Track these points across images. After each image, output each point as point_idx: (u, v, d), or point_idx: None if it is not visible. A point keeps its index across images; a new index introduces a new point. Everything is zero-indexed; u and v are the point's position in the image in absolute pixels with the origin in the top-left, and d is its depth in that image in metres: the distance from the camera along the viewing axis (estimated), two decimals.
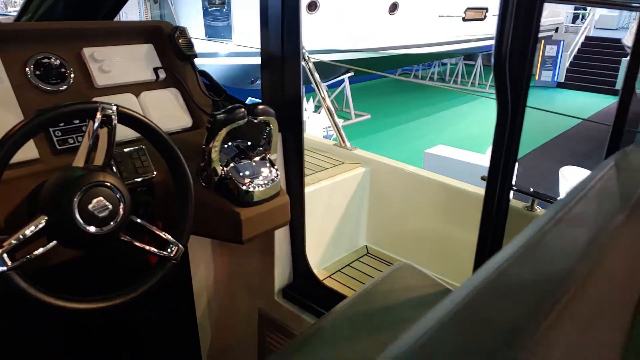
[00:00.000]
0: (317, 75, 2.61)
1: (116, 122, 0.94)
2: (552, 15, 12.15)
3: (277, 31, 1.28)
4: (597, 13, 13.04)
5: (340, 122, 3.49)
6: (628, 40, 10.47)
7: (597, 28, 12.91)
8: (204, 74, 1.40)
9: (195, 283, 1.57)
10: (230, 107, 1.13)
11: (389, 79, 11.50)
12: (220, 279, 1.64)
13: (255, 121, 1.16)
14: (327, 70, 7.90)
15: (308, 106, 6.44)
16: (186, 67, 1.31)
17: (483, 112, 8.85)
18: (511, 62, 1.12)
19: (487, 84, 11.10)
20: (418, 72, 12.33)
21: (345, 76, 8.14)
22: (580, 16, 13.67)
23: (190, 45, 1.32)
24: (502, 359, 0.35)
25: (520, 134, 1.19)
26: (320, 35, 7.01)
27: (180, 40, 1.30)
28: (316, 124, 5.57)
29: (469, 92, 10.99)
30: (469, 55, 11.61)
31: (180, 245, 1.02)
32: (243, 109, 1.12)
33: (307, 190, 1.51)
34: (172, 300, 1.52)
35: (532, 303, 0.41)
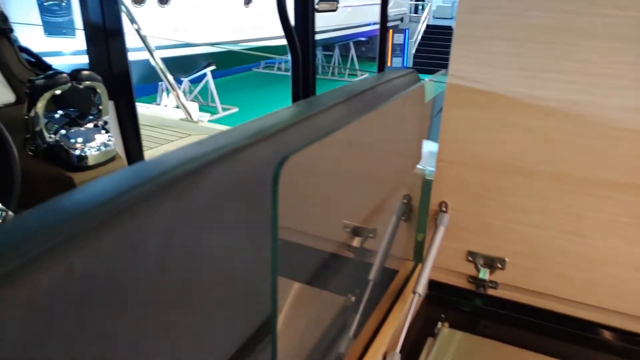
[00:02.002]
0: (161, 64, 2.64)
1: None
2: (398, 6, 13.25)
3: (95, 3, 1.31)
4: (434, 4, 14.52)
5: (206, 116, 3.55)
6: None
7: (435, 17, 14.36)
8: (25, 50, 1.37)
9: None
10: (50, 72, 1.14)
11: (254, 72, 11.63)
12: None
13: (81, 87, 1.19)
14: (187, 64, 7.77)
15: (170, 102, 6.30)
16: (1, 42, 1.28)
17: None
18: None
19: (346, 73, 11.78)
20: (281, 65, 12.63)
21: (207, 70, 8.08)
22: (421, 7, 15.10)
23: (4, 18, 1.29)
24: None
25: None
26: (173, 28, 6.86)
27: None
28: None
29: (332, 79, 11.55)
30: (327, 46, 12.19)
31: (8, 212, 1.02)
32: (65, 75, 1.15)
33: (147, 156, 1.56)
34: None
35: None
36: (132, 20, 2.35)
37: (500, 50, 0.93)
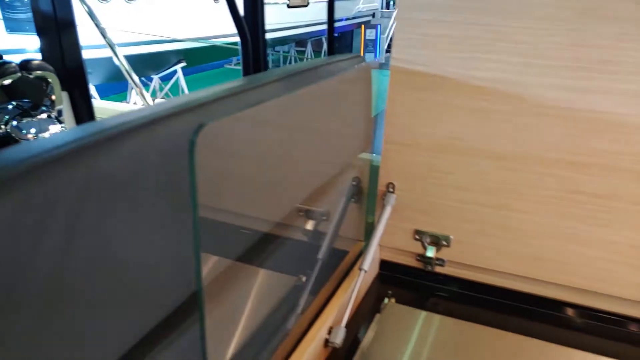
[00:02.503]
0: (124, 61, 2.60)
1: None
2: (369, 2, 13.33)
3: None
4: None
5: None
6: None
7: None
8: None
9: None
10: None
11: (226, 69, 11.55)
12: None
13: (31, 77, 1.18)
14: (157, 61, 7.67)
15: (139, 100, 6.21)
16: None
17: None
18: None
19: None
20: None
21: (178, 67, 8.00)
22: (392, 2, 15.21)
23: None
24: None
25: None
26: (142, 25, 6.76)
27: None
28: None
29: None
30: (300, 42, 12.19)
31: None
32: (14, 64, 1.14)
33: None
34: None
35: None
36: (91, 15, 2.32)
37: (439, 33, 0.97)
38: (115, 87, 7.19)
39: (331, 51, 2.07)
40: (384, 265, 1.17)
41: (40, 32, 1.36)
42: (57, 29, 1.33)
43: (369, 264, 0.99)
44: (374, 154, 1.14)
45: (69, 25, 1.34)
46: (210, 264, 0.59)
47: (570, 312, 1.03)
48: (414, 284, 1.13)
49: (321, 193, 1.02)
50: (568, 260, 0.99)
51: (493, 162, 0.99)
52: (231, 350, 0.70)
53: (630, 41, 0.86)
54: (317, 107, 0.83)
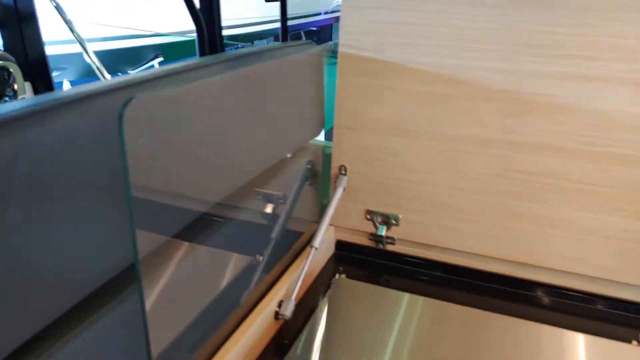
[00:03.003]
0: (95, 58, 2.59)
1: None
2: None
3: None
4: None
5: None
6: None
7: None
8: None
9: None
10: None
11: None
12: None
13: None
14: (133, 56, 7.59)
15: None
16: None
17: None
18: None
19: None
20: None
21: (155, 62, 7.93)
22: None
23: None
24: None
25: None
26: (118, 20, 6.68)
27: None
28: None
29: None
30: (278, 37, 12.15)
31: None
32: None
33: None
34: None
35: None
36: (58, 9, 2.30)
37: (383, 19, 1.01)
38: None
39: (285, 39, 2.10)
40: (340, 245, 1.22)
41: (1, 24, 1.37)
42: (18, 21, 1.35)
43: (320, 241, 1.03)
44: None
45: (30, 16, 1.36)
46: (147, 238, 0.62)
47: (511, 284, 1.09)
48: (367, 262, 1.18)
49: (276, 176, 1.06)
50: (508, 235, 1.05)
51: (437, 144, 1.05)
52: (175, 321, 0.74)
53: (559, 25, 0.92)
54: (261, 88, 0.87)
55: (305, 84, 1.05)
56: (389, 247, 1.17)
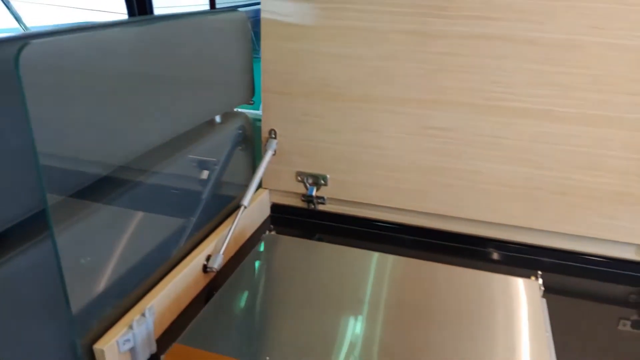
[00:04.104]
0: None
1: None
2: None
3: None
4: None
5: None
6: None
7: None
8: None
9: None
10: None
11: None
12: None
13: None
14: None
15: None
16: None
17: None
18: None
19: None
20: None
21: None
22: None
23: None
24: None
25: None
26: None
27: None
28: None
29: None
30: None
31: None
32: None
33: None
34: None
35: None
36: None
37: None
38: None
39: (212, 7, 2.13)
40: (274, 208, 1.27)
41: None
42: None
43: (249, 200, 1.08)
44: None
45: None
46: (56, 185, 0.64)
47: (432, 235, 1.16)
48: (300, 222, 1.24)
49: (206, 141, 1.10)
50: (427, 189, 1.12)
51: (357, 105, 1.10)
52: (96, 272, 0.77)
53: None
54: (178, 48, 0.90)
55: (228, 47, 1.09)
56: (321, 207, 1.22)
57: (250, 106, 1.23)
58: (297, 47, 1.10)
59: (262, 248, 1.05)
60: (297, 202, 1.25)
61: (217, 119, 1.15)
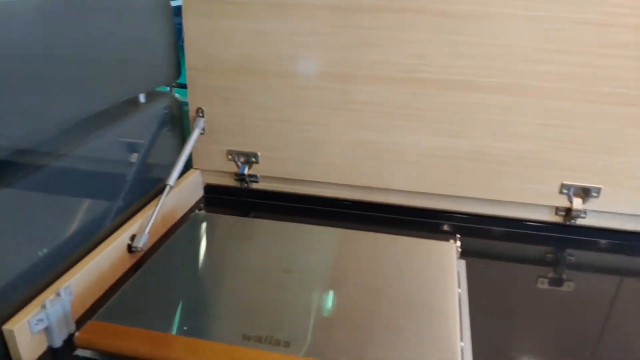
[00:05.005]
0: None
1: None
2: None
3: None
4: None
5: None
6: None
7: None
8: None
9: None
10: None
11: None
12: None
13: None
14: None
15: None
16: None
17: None
18: None
19: None
20: None
21: None
22: None
23: None
24: None
25: None
26: None
27: None
28: None
29: None
30: None
31: None
32: None
33: None
34: None
35: None
36: None
37: None
38: None
39: None
40: (208, 188, 1.27)
41: None
42: None
43: (175, 179, 1.07)
44: None
45: None
46: None
47: (364, 207, 1.19)
48: (234, 201, 1.24)
49: (130, 121, 1.08)
50: (355, 163, 1.15)
51: (282, 80, 1.11)
52: (10, 252, 0.76)
53: None
54: (88, 24, 0.87)
55: (146, 24, 1.07)
56: (254, 185, 1.23)
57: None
58: (218, 23, 1.10)
59: (189, 226, 1.05)
60: (231, 182, 1.25)
61: (142, 98, 1.13)
